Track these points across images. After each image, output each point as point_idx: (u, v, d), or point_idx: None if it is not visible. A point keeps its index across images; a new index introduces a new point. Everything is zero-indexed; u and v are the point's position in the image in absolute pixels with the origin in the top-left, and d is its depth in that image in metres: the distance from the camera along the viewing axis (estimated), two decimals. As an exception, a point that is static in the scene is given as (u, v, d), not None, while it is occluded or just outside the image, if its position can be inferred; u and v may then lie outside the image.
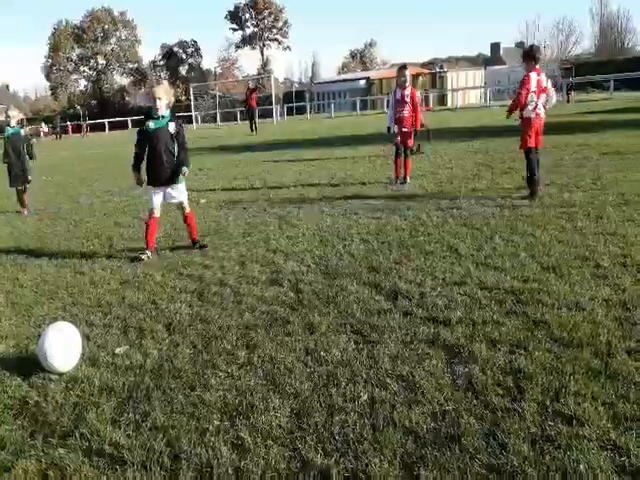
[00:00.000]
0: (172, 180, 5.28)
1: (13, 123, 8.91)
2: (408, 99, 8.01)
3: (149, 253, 5.28)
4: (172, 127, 5.23)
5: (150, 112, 5.25)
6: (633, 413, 2.28)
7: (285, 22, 75.01)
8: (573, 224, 5.11)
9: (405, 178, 8.18)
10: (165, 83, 5.42)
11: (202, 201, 8.11)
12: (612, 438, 2.15)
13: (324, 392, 2.63)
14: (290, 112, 42.86)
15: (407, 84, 8.03)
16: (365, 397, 2.56)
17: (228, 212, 7.18)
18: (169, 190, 5.33)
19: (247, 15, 74.57)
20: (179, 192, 5.38)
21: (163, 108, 5.19)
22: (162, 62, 72.16)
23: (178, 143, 5.28)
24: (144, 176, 5.40)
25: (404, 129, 8.07)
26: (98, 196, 9.76)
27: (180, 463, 2.20)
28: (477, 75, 43.78)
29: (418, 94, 8.30)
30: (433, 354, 2.92)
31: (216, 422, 2.45)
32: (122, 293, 4.32)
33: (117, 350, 3.30)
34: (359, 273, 4.28)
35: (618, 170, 7.51)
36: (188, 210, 5.52)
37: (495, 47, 69.74)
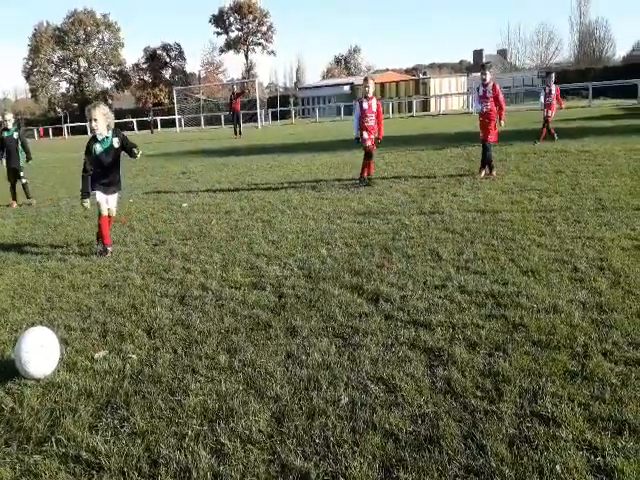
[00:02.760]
0: (113, 191, 5.79)
1: (9, 126, 9.64)
2: (374, 109, 8.60)
3: (109, 248, 5.62)
4: (116, 142, 5.58)
5: (95, 136, 5.55)
6: (608, 413, 2.33)
7: (269, 27, 75.13)
8: (552, 228, 5.20)
9: (367, 178, 8.68)
10: (102, 105, 5.63)
11: (184, 205, 8.06)
12: (588, 438, 2.19)
13: (305, 396, 2.63)
14: (275, 117, 42.83)
15: (370, 95, 8.60)
16: (346, 400, 2.56)
17: (211, 216, 7.15)
18: (109, 197, 5.75)
19: (231, 19, 74.48)
20: (114, 200, 5.84)
21: (102, 129, 5.46)
22: (145, 65, 71.55)
23: (126, 150, 5.66)
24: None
25: (371, 136, 8.65)
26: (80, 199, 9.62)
27: (159, 468, 2.18)
28: (460, 81, 44.33)
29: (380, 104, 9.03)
30: (413, 357, 2.93)
31: (196, 427, 2.43)
32: (102, 297, 4.27)
33: (96, 355, 3.25)
34: (341, 277, 4.29)
35: (596, 176, 7.66)
36: (113, 215, 5.93)
37: (478, 54, 70.72)
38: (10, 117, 9.80)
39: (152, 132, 40.72)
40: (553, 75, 13.19)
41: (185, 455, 2.23)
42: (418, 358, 2.92)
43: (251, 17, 73.33)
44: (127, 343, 3.38)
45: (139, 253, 5.53)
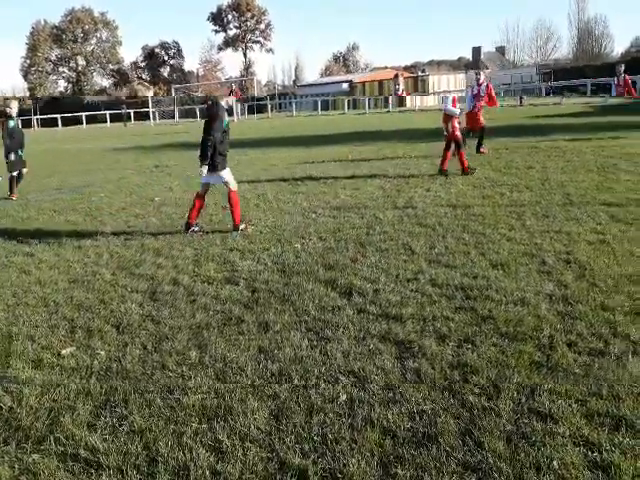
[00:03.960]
0: None
1: (14, 114, 9.32)
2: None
3: None
4: None
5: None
6: (574, 401, 2.39)
7: (268, 24, 74.34)
8: (522, 223, 5.30)
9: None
10: None
11: (157, 199, 7.93)
12: (584, 430, 2.23)
13: (275, 389, 2.62)
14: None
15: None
16: (344, 397, 2.55)
17: (184, 210, 7.04)
18: None
19: (229, 17, 73.42)
20: None
21: None
22: (144, 63, 70.23)
23: None
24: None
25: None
26: (49, 193, 9.38)
27: (157, 466, 2.15)
28: (458, 79, 44.44)
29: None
30: (384, 350, 2.96)
31: (194, 425, 2.40)
32: (70, 293, 4.18)
33: (63, 351, 3.18)
34: (315, 271, 4.29)
35: (564, 172, 7.83)
36: None
37: (476, 51, 70.71)
38: (15, 106, 9.44)
39: (125, 125, 39.93)
40: (623, 65, 13.66)
41: (184, 453, 2.21)
42: (389, 351, 2.95)
43: (249, 15, 72.38)
44: (95, 339, 3.32)
45: (109, 248, 5.42)
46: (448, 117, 8.48)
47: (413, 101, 36.41)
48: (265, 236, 5.47)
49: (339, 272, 4.22)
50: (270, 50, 75.22)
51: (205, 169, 5.60)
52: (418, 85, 42.88)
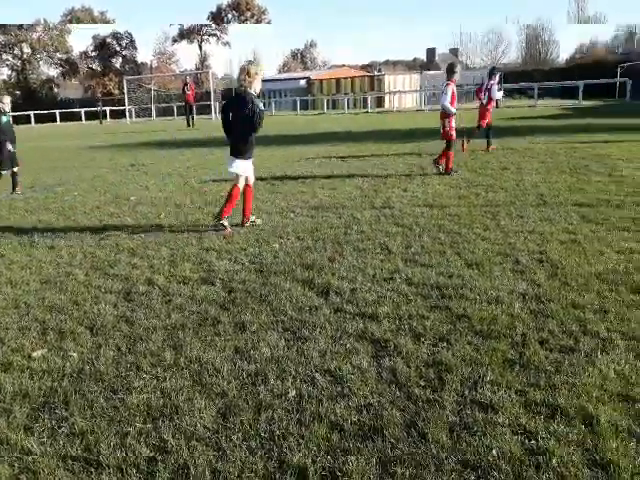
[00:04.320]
0: None
1: (7, 109, 9.03)
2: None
3: None
4: None
5: None
6: (542, 399, 2.44)
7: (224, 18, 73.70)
8: (496, 223, 5.39)
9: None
10: None
11: (132, 198, 7.82)
12: (523, 423, 2.28)
13: (252, 390, 2.62)
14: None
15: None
16: (293, 393, 2.57)
17: (160, 209, 6.97)
18: None
19: (229, 16, 72.65)
20: None
21: None
22: (94, 53, 68.59)
23: None
24: None
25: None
26: (21, 192, 9.16)
27: (100, 468, 2.11)
28: (413, 79, 44.99)
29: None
30: (361, 349, 2.98)
31: (138, 425, 2.38)
32: (42, 294, 4.09)
33: (34, 354, 3.11)
34: (293, 271, 4.29)
35: (538, 173, 7.99)
36: None
37: (431, 52, 71.91)
38: (8, 101, 9.10)
39: (101, 123, 39.26)
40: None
41: (126, 453, 2.18)
42: (365, 349, 2.97)
43: (249, 14, 71.72)
44: (68, 341, 3.26)
45: (83, 248, 5.33)
46: (445, 114, 8.36)
47: (392, 102, 36.69)
48: (243, 236, 5.45)
49: (317, 272, 4.23)
50: (227, 44, 74.63)
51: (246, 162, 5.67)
52: (374, 84, 43.29)
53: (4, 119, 8.88)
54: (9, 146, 8.81)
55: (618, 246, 4.47)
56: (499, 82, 12.01)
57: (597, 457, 2.07)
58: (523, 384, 2.56)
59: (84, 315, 3.64)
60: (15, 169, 9.03)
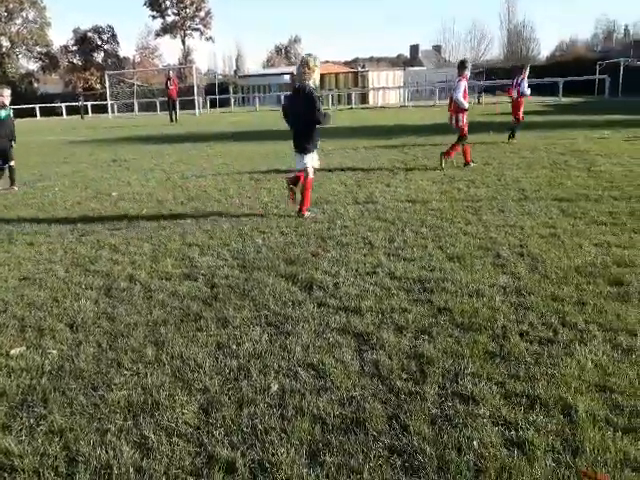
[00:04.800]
0: None
1: (7, 102, 8.70)
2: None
3: None
4: None
5: None
6: (522, 390, 2.48)
7: (208, 12, 72.88)
8: (478, 217, 5.44)
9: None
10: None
11: (114, 194, 7.72)
12: (503, 414, 2.31)
13: (234, 385, 2.61)
14: (213, 104, 41.82)
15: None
16: (275, 388, 2.57)
17: (142, 205, 6.89)
18: None
19: (167, 2, 71.42)
20: None
21: None
22: (75, 47, 67.31)
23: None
24: None
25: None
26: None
27: (77, 466, 2.09)
28: (397, 75, 45.12)
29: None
30: (343, 342, 2.99)
31: (119, 422, 2.35)
32: (21, 291, 4.02)
33: (12, 351, 3.06)
34: (276, 266, 4.28)
35: (520, 168, 8.09)
36: None
37: (414, 49, 72.24)
38: (8, 94, 8.80)
39: (82, 118, 38.63)
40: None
41: (106, 451, 2.16)
42: (348, 343, 2.98)
43: (188, 2, 70.77)
44: (47, 338, 3.21)
45: (63, 244, 5.24)
46: (458, 109, 8.35)
47: (375, 98, 36.77)
48: (226, 231, 5.41)
49: (300, 266, 4.22)
50: (210, 38, 73.93)
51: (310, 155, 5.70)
52: (358, 80, 43.42)
53: (3, 113, 8.61)
54: (8, 143, 8.62)
55: (596, 239, 4.55)
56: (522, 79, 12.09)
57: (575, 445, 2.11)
58: (503, 376, 2.59)
59: (64, 312, 3.59)
60: (12, 163, 8.77)
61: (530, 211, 5.56)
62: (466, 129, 8.41)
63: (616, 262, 3.99)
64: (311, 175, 5.83)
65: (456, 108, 8.42)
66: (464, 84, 8.33)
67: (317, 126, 5.62)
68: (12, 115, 8.99)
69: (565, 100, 25.96)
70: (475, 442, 2.14)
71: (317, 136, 5.74)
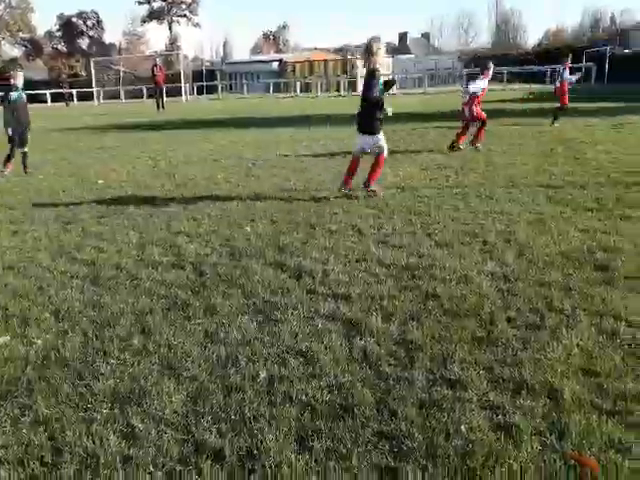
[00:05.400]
0: None
1: (19, 84, 8.51)
2: None
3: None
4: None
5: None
6: (509, 374, 2.49)
7: None
8: (466, 204, 5.46)
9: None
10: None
11: (100, 181, 7.61)
12: (491, 399, 2.33)
13: (222, 373, 2.59)
14: (200, 91, 41.31)
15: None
16: (264, 375, 2.56)
17: (129, 192, 6.80)
18: None
19: None
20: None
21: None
22: (59, 33, 65.89)
23: None
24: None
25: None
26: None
27: (62, 456, 2.07)
28: (385, 63, 44.95)
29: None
30: (333, 329, 2.98)
31: (105, 411, 2.33)
32: (4, 280, 3.95)
33: (-4, 342, 3.01)
34: (265, 253, 4.25)
35: (507, 155, 8.10)
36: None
37: (403, 36, 71.84)
38: (20, 76, 8.59)
39: (67, 105, 37.95)
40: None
41: (92, 441, 2.14)
42: (337, 330, 2.97)
43: None
44: (32, 328, 3.16)
45: (48, 232, 5.16)
46: (474, 99, 8.66)
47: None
48: (214, 219, 5.37)
49: (289, 254, 4.21)
50: (197, 25, 72.85)
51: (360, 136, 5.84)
52: (347, 68, 43.19)
53: (14, 95, 8.36)
54: (10, 131, 8.31)
55: (582, 225, 4.59)
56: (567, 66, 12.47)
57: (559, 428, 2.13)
58: (491, 361, 2.61)
59: (49, 301, 3.54)
60: (26, 149, 8.59)
61: (517, 198, 5.59)
62: (483, 114, 8.78)
63: (602, 248, 4.03)
64: (386, 154, 5.95)
65: (473, 99, 8.77)
66: (486, 81, 8.91)
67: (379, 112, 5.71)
68: (24, 98, 8.68)
69: (552, 87, 26.03)
70: (463, 427, 2.15)
71: (379, 120, 5.81)
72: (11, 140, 8.40)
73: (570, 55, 12.43)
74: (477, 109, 8.74)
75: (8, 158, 8.51)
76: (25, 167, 8.58)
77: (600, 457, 1.97)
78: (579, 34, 63.28)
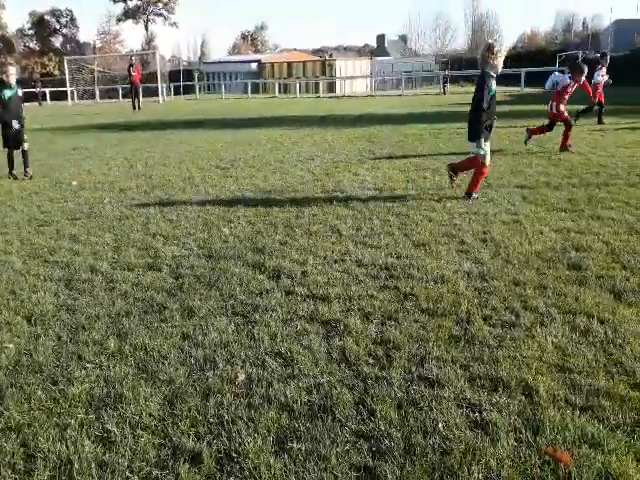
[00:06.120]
0: None
1: (13, 81, 8.01)
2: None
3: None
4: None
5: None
6: (486, 372, 2.53)
7: None
8: (442, 205, 5.52)
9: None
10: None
11: (74, 183, 7.46)
12: (467, 397, 2.36)
13: (200, 376, 2.57)
14: (178, 92, 40.89)
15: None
16: (242, 377, 2.55)
17: (103, 194, 6.69)
18: None
19: None
20: None
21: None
22: (31, 31, 64.45)
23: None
24: None
25: None
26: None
27: (36, 463, 2.02)
28: (364, 65, 45.21)
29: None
30: (311, 330, 2.98)
31: (80, 416, 2.29)
32: (-26, 284, 3.84)
33: (-35, 347, 2.93)
34: (244, 255, 4.23)
35: (484, 156, 8.21)
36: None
37: (381, 38, 72.39)
38: (14, 71, 8.14)
39: (40, 105, 37.13)
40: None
41: (66, 446, 2.09)
42: (316, 330, 2.97)
43: None
44: (3, 332, 3.08)
45: (20, 235, 5.05)
46: (560, 97, 8.52)
47: (343, 87, 36.71)
48: (191, 220, 5.31)
49: (268, 255, 4.19)
50: (174, 24, 72.12)
51: (482, 141, 5.46)
52: (326, 69, 43.36)
53: (8, 93, 7.90)
54: (14, 124, 7.92)
55: (556, 225, 4.68)
56: (600, 67, 12.42)
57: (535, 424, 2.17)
58: (467, 359, 2.64)
59: (21, 305, 3.46)
60: (25, 145, 8.14)
61: (493, 198, 5.68)
62: (566, 115, 8.59)
63: (575, 247, 4.12)
64: (486, 161, 5.58)
65: (556, 98, 8.63)
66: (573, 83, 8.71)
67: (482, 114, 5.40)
68: (20, 94, 8.28)
69: (527, 90, 26.54)
70: (440, 424, 2.17)
71: (482, 124, 5.45)
72: (6, 145, 8.03)
73: (607, 56, 12.57)
74: (561, 107, 8.49)
75: (10, 166, 8.07)
76: (26, 168, 8.04)
77: (574, 451, 2.01)
78: (552, 38, 64.77)
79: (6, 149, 8.12)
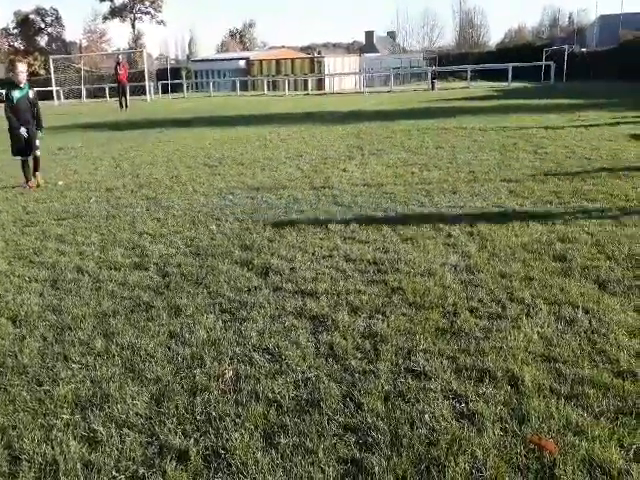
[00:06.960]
0: None
1: (23, 80, 7.16)
2: None
3: None
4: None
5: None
6: (472, 364, 2.55)
7: None
8: (430, 199, 5.54)
9: None
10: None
11: (60, 183, 7.39)
12: (454, 388, 2.38)
13: (187, 374, 2.56)
14: (165, 90, 40.56)
15: None
16: (230, 374, 2.54)
17: (90, 194, 6.63)
18: None
19: None
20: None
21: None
22: (16, 30, 63.58)
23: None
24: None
25: None
26: None
27: (20, 465, 2.00)
28: (352, 61, 45.09)
29: None
30: (299, 325, 2.98)
31: (65, 417, 2.27)
32: (-43, 286, 3.80)
33: (-52, 350, 2.89)
34: (231, 252, 4.22)
35: (470, 151, 8.26)
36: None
37: (369, 35, 72.30)
38: (24, 69, 7.23)
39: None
40: None
41: (52, 447, 2.07)
42: (304, 326, 2.98)
43: None
44: (-13, 334, 3.05)
45: (5, 236, 4.99)
46: None
47: (331, 84, 36.65)
48: (178, 219, 5.29)
49: (256, 252, 4.18)
50: (162, 22, 71.39)
51: None
52: (314, 66, 43.22)
53: (17, 95, 7.08)
54: (23, 131, 7.10)
55: (542, 218, 4.71)
56: None
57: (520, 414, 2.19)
58: (454, 351, 2.66)
59: (6, 306, 3.42)
60: (37, 153, 7.30)
61: (480, 192, 5.71)
62: None
63: (560, 239, 4.15)
64: None
65: None
66: None
67: None
68: (32, 95, 7.35)
69: (514, 85, 26.68)
70: (427, 416, 2.19)
71: None
72: (19, 152, 7.27)
73: None
74: None
75: (25, 172, 7.27)
76: (35, 172, 7.36)
77: (558, 439, 2.03)
78: (539, 32, 65.13)
79: (18, 157, 7.35)
